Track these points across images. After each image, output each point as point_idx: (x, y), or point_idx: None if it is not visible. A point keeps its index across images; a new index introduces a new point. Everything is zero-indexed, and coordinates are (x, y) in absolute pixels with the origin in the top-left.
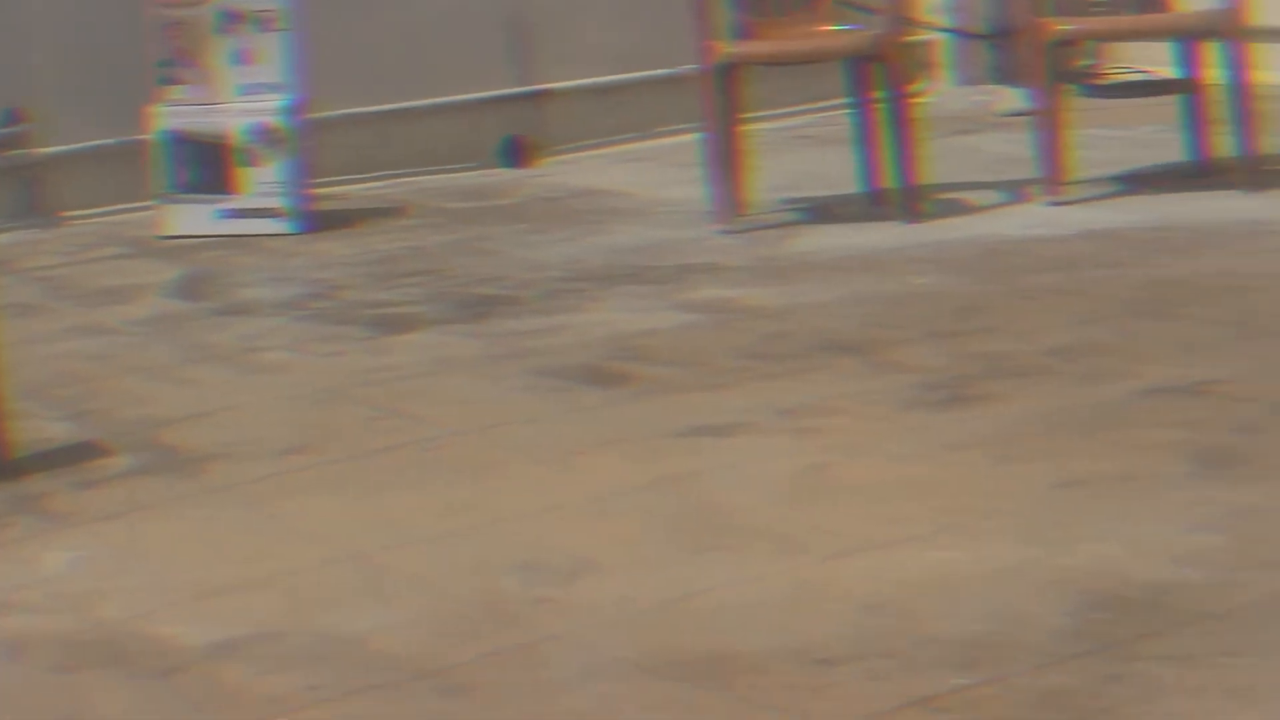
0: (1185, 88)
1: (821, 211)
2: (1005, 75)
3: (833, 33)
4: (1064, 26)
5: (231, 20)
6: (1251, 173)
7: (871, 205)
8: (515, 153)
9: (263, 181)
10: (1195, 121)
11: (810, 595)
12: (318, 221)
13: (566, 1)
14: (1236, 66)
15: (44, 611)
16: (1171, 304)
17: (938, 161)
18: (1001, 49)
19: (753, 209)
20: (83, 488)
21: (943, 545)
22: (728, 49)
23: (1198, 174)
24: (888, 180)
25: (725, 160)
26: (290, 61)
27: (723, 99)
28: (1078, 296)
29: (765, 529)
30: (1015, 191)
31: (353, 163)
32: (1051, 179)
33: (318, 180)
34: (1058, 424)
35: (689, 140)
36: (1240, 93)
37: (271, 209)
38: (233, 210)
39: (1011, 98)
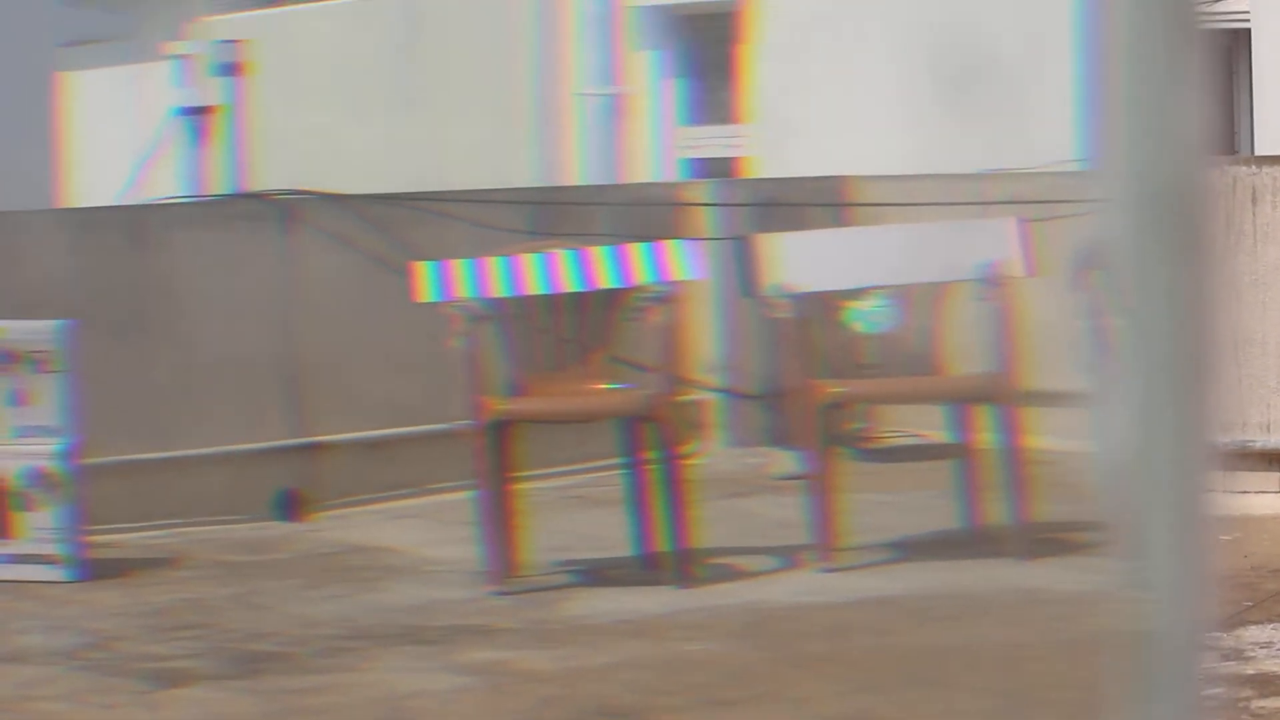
0: (957, 452)
1: (595, 574)
2: (778, 437)
3: (605, 391)
4: (836, 389)
5: (7, 360)
6: (1023, 540)
7: (644, 568)
8: (289, 506)
9: (38, 527)
10: (967, 487)
11: None
12: (93, 570)
13: (339, 352)
14: (1008, 431)
15: None
16: (945, 673)
17: (711, 524)
18: (774, 410)
19: (526, 570)
20: None
21: None
22: (500, 406)
23: (970, 540)
24: (661, 543)
25: (498, 519)
26: (66, 404)
27: (495, 456)
28: (851, 665)
29: None
30: (788, 557)
31: (127, 510)
32: (824, 544)
33: (92, 527)
34: None
35: (462, 497)
36: (1012, 458)
37: (46, 555)
38: (7, 555)
39: (784, 460)
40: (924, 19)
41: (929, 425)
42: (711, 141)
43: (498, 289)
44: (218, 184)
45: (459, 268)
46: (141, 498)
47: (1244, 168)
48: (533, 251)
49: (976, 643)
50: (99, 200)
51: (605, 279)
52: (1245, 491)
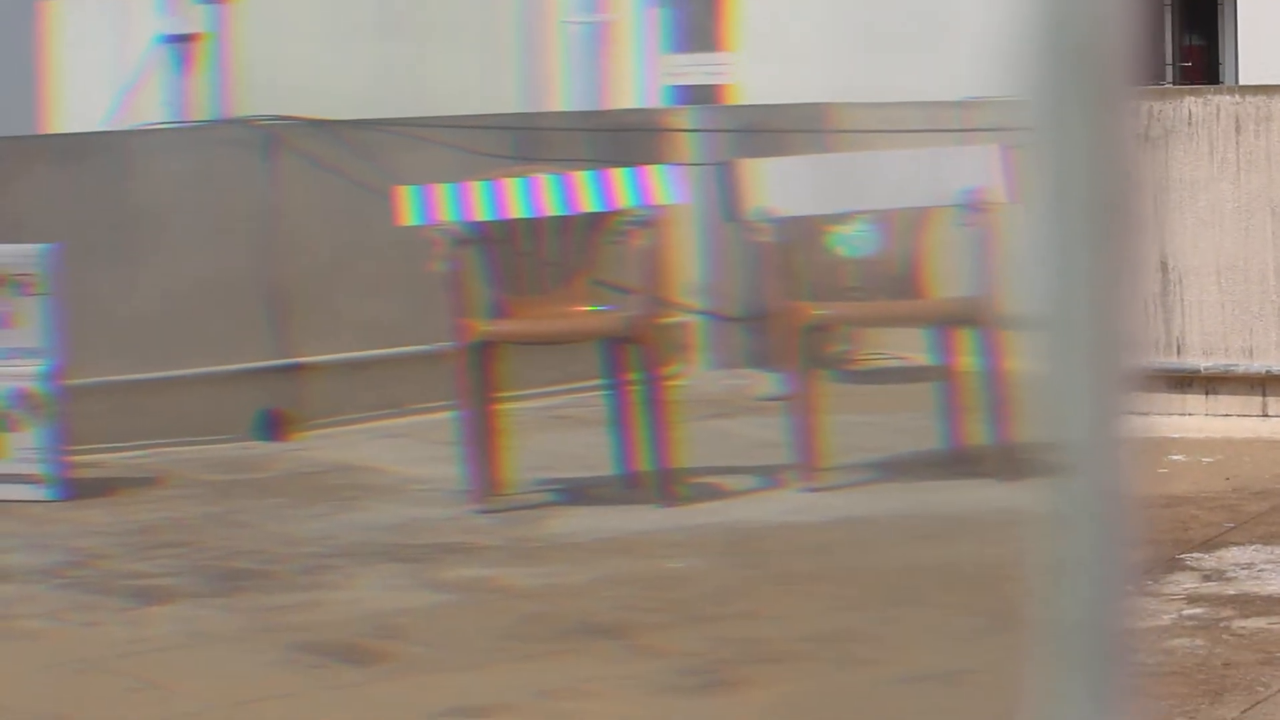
0: (939, 375)
1: (577, 492)
2: (760, 359)
3: (587, 314)
4: (819, 311)
5: None
6: (1006, 460)
7: (627, 487)
8: (272, 426)
9: (21, 447)
10: (948, 409)
11: None
12: (76, 489)
13: (322, 275)
14: (991, 354)
15: None
16: (925, 592)
17: (693, 444)
18: (756, 332)
19: (508, 488)
20: None
21: None
22: (482, 327)
23: (951, 461)
24: (643, 462)
25: (480, 439)
26: (49, 326)
27: (478, 377)
28: (832, 583)
29: None
30: (770, 476)
31: (110, 431)
32: (806, 465)
33: (76, 447)
34: (815, 711)
35: (445, 417)
36: (994, 380)
37: (30, 475)
38: None
39: (766, 381)
40: None
41: (911, 348)
42: (695, 69)
43: (480, 212)
44: (201, 110)
45: (442, 192)
46: (124, 418)
47: (1228, 97)
48: (516, 175)
49: (957, 562)
50: (83, 126)
51: (588, 202)
52: (1228, 415)
